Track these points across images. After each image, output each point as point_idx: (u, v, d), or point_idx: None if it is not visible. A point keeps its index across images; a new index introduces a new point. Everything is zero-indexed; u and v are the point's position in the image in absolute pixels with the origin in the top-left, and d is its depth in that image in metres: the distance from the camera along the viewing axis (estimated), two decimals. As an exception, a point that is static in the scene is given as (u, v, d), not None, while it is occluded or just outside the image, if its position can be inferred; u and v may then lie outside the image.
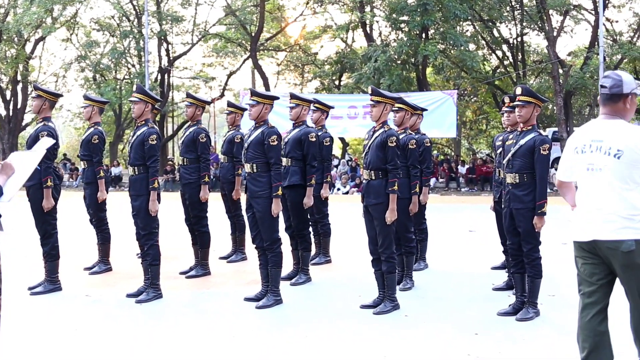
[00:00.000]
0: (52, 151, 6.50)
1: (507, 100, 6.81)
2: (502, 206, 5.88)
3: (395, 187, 5.80)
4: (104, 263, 7.76)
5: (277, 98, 6.58)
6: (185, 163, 7.45)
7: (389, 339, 5.18)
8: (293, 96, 7.42)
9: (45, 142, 3.99)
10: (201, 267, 7.55)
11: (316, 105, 7.90)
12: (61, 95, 7.41)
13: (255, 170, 6.11)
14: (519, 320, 5.58)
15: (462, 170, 24.32)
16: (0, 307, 3.54)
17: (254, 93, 6.30)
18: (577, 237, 3.83)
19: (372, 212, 5.91)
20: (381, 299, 6.03)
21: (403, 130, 6.96)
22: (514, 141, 5.73)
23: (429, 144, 7.48)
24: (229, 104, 8.76)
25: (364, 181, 6.02)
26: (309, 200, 7.16)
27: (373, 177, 5.88)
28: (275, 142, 6.10)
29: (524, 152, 5.59)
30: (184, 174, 7.46)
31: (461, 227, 12.02)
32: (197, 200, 7.36)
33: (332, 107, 8.42)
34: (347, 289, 6.92)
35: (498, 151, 6.69)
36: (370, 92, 5.97)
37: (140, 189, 6.34)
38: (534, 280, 5.66)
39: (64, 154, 33.71)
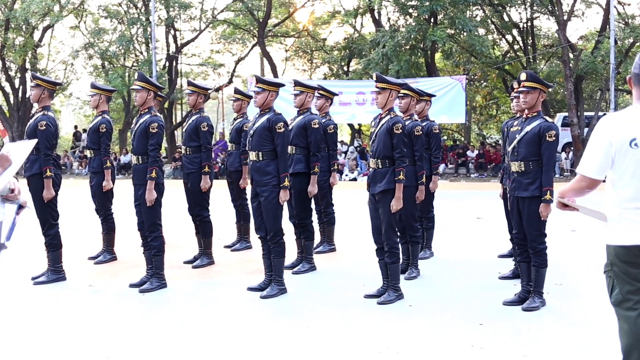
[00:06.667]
0: (51, 141, 6.48)
1: (515, 85, 6.70)
2: (508, 194, 5.79)
3: (401, 177, 5.70)
4: (108, 252, 7.74)
5: (283, 85, 6.52)
6: (187, 152, 7.39)
7: (392, 329, 5.12)
8: (297, 83, 7.33)
9: (31, 143, 3.94)
10: (206, 256, 7.53)
11: (320, 92, 7.81)
12: (60, 84, 7.36)
13: (261, 159, 6.02)
14: (525, 310, 5.50)
15: (472, 155, 24.19)
16: None
17: (259, 80, 6.20)
18: (629, 240, 3.12)
19: (377, 201, 5.82)
20: (385, 289, 5.97)
21: (409, 117, 6.84)
22: (519, 128, 5.62)
23: (437, 131, 7.38)
24: (236, 91, 8.68)
25: (370, 169, 5.92)
26: (313, 189, 7.09)
27: (380, 166, 5.78)
28: (282, 129, 6.01)
29: (529, 139, 5.49)
30: (186, 163, 7.41)
31: (469, 214, 11.92)
32: (199, 189, 7.29)
33: (337, 94, 8.33)
34: (352, 278, 6.86)
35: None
36: (374, 78, 5.87)
37: (144, 178, 6.29)
38: (539, 270, 5.59)
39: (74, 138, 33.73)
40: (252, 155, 6.08)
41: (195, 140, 7.31)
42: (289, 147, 6.91)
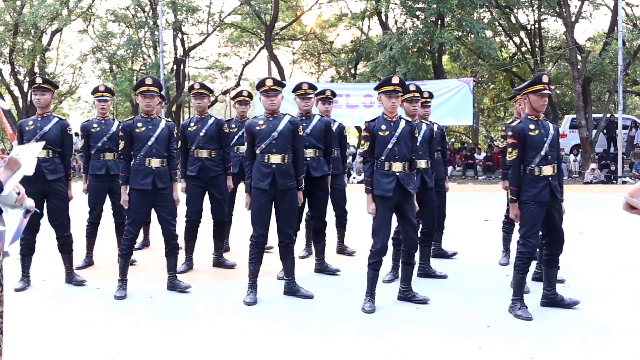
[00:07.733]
0: (70, 145, 6.58)
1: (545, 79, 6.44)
2: (536, 201, 5.50)
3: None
4: None
5: (284, 85, 6.51)
6: (212, 156, 7.24)
7: (399, 332, 5.12)
8: (311, 86, 7.27)
9: (38, 146, 3.97)
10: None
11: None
12: (57, 87, 7.33)
13: (286, 161, 5.99)
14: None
15: (480, 158, 24.16)
16: (2, 302, 3.50)
17: (276, 82, 6.13)
18: None
19: (406, 204, 5.71)
20: (370, 297, 5.85)
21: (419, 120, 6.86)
22: (541, 131, 5.49)
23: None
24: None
25: (397, 174, 5.63)
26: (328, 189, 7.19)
27: (407, 169, 5.72)
28: (302, 133, 6.13)
29: (555, 142, 5.57)
30: (211, 166, 7.23)
31: (477, 216, 11.89)
32: (226, 191, 7.38)
33: (335, 99, 8.45)
34: (359, 280, 6.80)
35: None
36: (396, 82, 5.61)
37: (169, 181, 6.34)
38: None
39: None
40: (276, 159, 5.96)
41: (217, 143, 7.29)
42: (310, 150, 6.96)
